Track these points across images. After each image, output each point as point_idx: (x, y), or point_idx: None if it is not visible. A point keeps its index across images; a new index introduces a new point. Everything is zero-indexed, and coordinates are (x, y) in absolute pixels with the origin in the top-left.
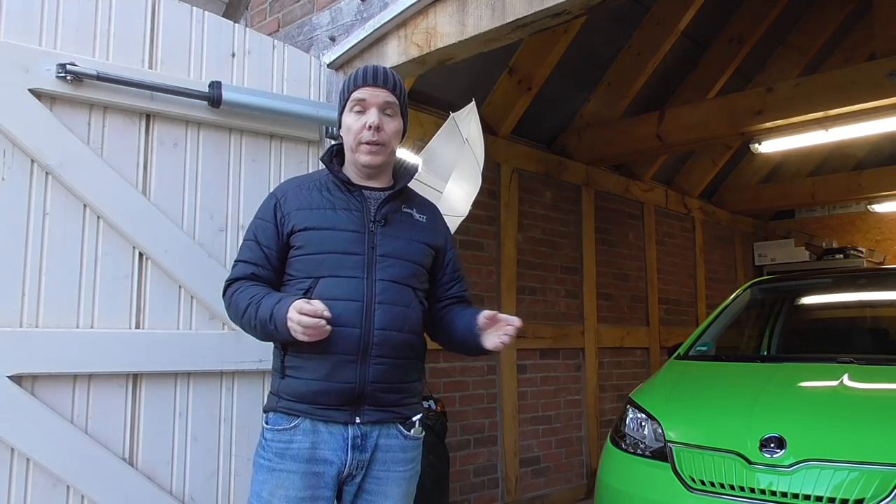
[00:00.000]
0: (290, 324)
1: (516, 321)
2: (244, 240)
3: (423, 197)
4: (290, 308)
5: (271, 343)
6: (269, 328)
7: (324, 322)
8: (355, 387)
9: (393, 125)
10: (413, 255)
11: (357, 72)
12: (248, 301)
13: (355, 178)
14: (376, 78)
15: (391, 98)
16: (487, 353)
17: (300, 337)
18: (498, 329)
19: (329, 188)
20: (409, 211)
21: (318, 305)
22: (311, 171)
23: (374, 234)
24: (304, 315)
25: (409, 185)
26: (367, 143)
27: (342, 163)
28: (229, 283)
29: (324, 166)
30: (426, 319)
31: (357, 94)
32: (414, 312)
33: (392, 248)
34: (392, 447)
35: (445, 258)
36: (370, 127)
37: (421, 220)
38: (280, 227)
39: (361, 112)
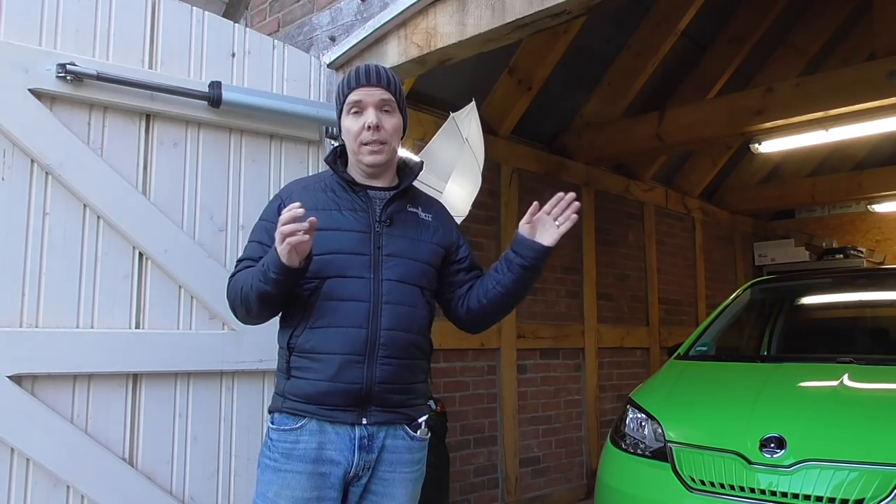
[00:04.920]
0: (278, 244)
1: (569, 196)
2: (248, 241)
3: (427, 195)
4: (276, 235)
5: (272, 343)
6: (267, 276)
7: (303, 222)
8: (362, 388)
9: (392, 122)
10: (419, 255)
11: (349, 74)
12: (247, 274)
13: (360, 178)
14: (369, 77)
15: (387, 95)
16: (536, 263)
17: (290, 249)
18: (549, 219)
19: (334, 189)
20: (415, 210)
21: (293, 212)
22: (310, 171)
23: (379, 234)
24: (286, 225)
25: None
26: (369, 144)
27: (346, 163)
28: (232, 277)
29: (327, 167)
30: (456, 318)
31: (352, 97)
32: (421, 312)
33: (398, 247)
34: (398, 448)
35: (459, 253)
36: (369, 127)
37: (427, 218)
38: None
39: (359, 113)
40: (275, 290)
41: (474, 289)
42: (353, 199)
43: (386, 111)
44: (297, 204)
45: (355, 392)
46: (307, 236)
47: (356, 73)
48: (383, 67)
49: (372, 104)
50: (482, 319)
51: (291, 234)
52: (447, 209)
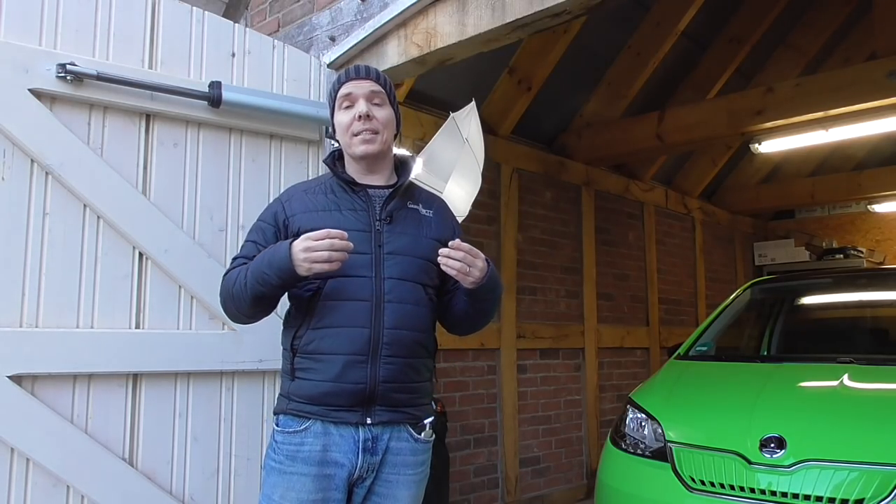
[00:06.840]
0: (302, 254)
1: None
2: (245, 240)
3: (428, 192)
4: (298, 240)
5: (272, 343)
6: (263, 276)
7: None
8: (366, 387)
9: (383, 113)
10: (421, 251)
11: (339, 74)
12: (239, 270)
13: (357, 176)
14: (358, 72)
15: (376, 87)
16: (478, 300)
17: (318, 267)
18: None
19: (334, 190)
20: (416, 207)
21: (322, 233)
22: (310, 171)
23: (380, 232)
24: (313, 240)
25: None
26: (360, 133)
27: (344, 166)
28: (226, 274)
29: (327, 169)
30: (440, 314)
31: (343, 91)
32: (423, 310)
33: (399, 245)
34: (402, 450)
35: None
36: (360, 117)
37: (428, 214)
38: (283, 229)
39: (350, 107)
40: (271, 293)
41: (451, 302)
42: (353, 199)
43: (376, 104)
44: (343, 234)
45: (359, 392)
46: (336, 265)
47: (345, 71)
48: (371, 66)
49: (362, 95)
50: (458, 326)
51: (327, 259)
52: (448, 205)
